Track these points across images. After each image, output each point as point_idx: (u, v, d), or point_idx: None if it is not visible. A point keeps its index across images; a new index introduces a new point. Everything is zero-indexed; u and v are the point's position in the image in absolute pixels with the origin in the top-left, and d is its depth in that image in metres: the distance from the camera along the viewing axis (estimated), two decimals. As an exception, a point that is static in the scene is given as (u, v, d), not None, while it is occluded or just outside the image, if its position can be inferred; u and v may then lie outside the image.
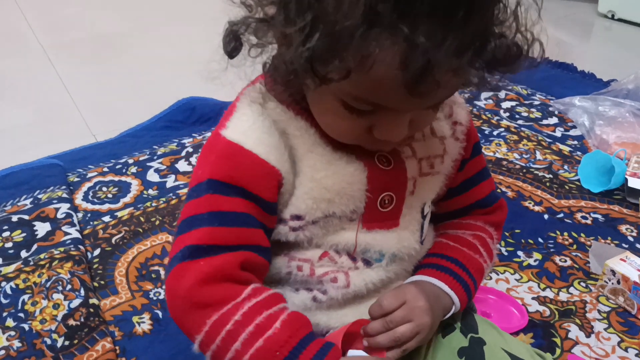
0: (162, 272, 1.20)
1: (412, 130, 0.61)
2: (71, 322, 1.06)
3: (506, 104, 1.88)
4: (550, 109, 1.84)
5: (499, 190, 1.44)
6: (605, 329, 1.06)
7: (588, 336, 1.04)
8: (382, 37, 0.49)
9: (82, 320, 1.06)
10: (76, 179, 1.51)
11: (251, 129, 0.63)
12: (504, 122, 1.77)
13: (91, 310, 1.08)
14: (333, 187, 0.64)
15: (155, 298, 1.13)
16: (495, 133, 1.71)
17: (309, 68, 0.52)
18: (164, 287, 1.14)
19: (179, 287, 0.60)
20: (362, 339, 0.66)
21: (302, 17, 0.51)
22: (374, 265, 0.70)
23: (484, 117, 1.80)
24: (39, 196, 1.42)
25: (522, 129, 1.74)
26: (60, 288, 1.13)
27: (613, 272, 1.10)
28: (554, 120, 1.78)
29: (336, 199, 0.65)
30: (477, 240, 0.77)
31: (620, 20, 2.59)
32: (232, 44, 0.59)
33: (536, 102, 1.89)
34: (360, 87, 0.54)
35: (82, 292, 1.12)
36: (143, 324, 1.07)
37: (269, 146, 0.62)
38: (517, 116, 1.81)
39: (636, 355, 1.00)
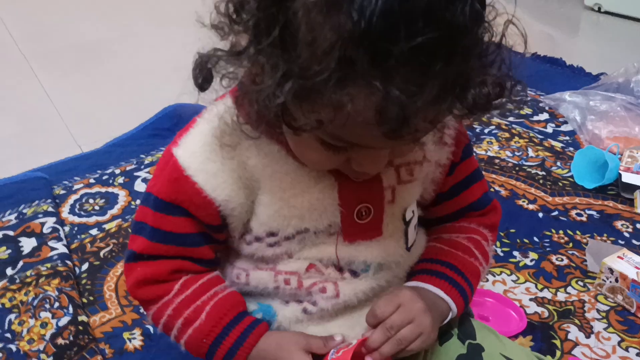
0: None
1: (392, 157, 0.61)
2: (60, 341, 1.03)
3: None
4: (541, 104, 1.83)
5: (492, 190, 1.42)
6: (605, 329, 1.04)
7: (588, 337, 1.03)
8: (356, 88, 0.47)
9: (72, 338, 1.03)
10: (62, 192, 1.48)
11: (200, 151, 0.63)
12: (495, 120, 1.75)
13: (80, 327, 1.05)
14: (302, 205, 0.64)
15: (149, 317, 1.10)
16: (486, 131, 1.70)
17: (280, 118, 0.51)
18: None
19: (127, 283, 0.71)
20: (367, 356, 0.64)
21: (274, 62, 0.49)
22: (361, 275, 0.69)
23: (474, 115, 1.79)
24: (24, 211, 1.38)
25: (513, 126, 1.72)
26: (47, 306, 1.10)
27: (611, 270, 1.09)
28: (545, 116, 1.77)
29: (306, 215, 0.64)
30: (472, 243, 0.75)
31: (606, 12, 2.59)
32: (202, 76, 0.57)
33: (526, 98, 1.88)
34: (334, 129, 0.52)
35: (71, 309, 1.09)
36: (134, 340, 1.04)
37: (210, 174, 0.63)
38: (507, 113, 1.79)
39: (637, 354, 0.99)
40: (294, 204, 0.64)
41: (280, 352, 0.65)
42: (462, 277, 0.72)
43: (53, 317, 1.08)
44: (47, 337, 1.04)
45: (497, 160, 1.55)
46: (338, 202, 0.64)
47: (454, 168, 0.73)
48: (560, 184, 1.45)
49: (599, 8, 2.60)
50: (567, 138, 1.65)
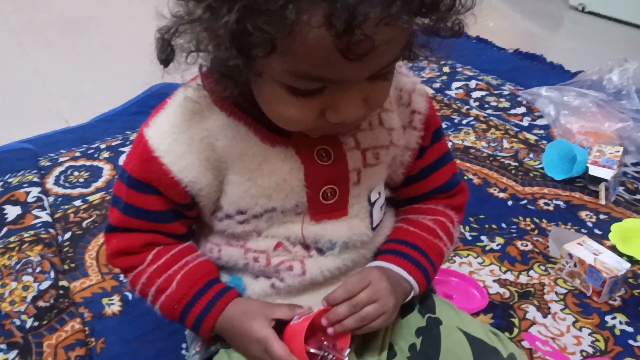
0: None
1: (369, 108, 0.60)
2: (40, 303, 1.07)
3: (476, 94, 1.92)
4: (519, 99, 1.88)
5: (465, 178, 1.47)
6: (561, 310, 1.10)
7: (545, 317, 1.08)
8: (303, 2, 0.47)
9: (52, 301, 1.07)
10: (47, 164, 1.51)
11: (168, 133, 0.65)
12: (474, 112, 1.81)
13: (61, 292, 1.09)
14: (269, 185, 0.66)
15: (125, 280, 1.13)
16: (464, 122, 1.75)
17: (234, 47, 0.51)
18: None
19: (106, 253, 0.76)
20: (324, 329, 0.67)
21: (223, 3, 0.50)
22: (327, 253, 0.71)
23: (454, 106, 1.84)
24: (9, 180, 1.42)
25: (491, 118, 1.77)
26: (30, 270, 1.14)
27: (570, 256, 1.15)
28: (522, 109, 1.83)
29: (274, 195, 0.67)
30: (437, 225, 0.78)
31: (590, 12, 2.64)
32: (165, 52, 0.57)
33: (505, 92, 1.93)
34: (294, 61, 0.52)
35: (52, 274, 1.13)
36: (112, 306, 1.08)
37: (177, 155, 0.65)
38: (486, 105, 1.85)
39: (589, 334, 1.05)
40: (261, 184, 0.66)
41: (244, 317, 0.68)
42: (426, 257, 0.76)
43: (35, 281, 1.11)
44: (29, 299, 1.08)
45: (472, 150, 1.60)
46: (304, 184, 0.67)
47: (423, 152, 0.76)
48: (531, 175, 1.50)
49: (583, 8, 2.66)
50: (542, 131, 1.70)
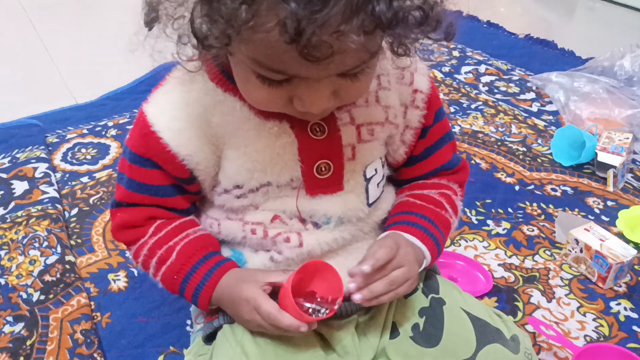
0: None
1: (339, 101, 0.59)
2: (47, 277, 1.07)
3: (485, 78, 1.90)
4: (529, 84, 1.87)
5: (472, 162, 1.47)
6: (566, 295, 1.10)
7: (549, 301, 1.08)
8: (257, 3, 0.47)
9: (58, 276, 1.08)
10: (55, 140, 1.51)
11: (166, 108, 0.67)
12: (482, 96, 1.80)
13: (67, 266, 1.10)
14: (264, 159, 0.67)
15: (131, 257, 1.14)
16: (473, 106, 1.74)
17: (193, 33, 0.52)
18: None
19: (111, 229, 0.77)
20: (309, 282, 0.67)
21: None
22: (323, 227, 0.71)
23: (463, 90, 1.83)
24: (17, 155, 1.42)
25: (500, 103, 1.76)
26: (37, 245, 1.15)
27: (577, 241, 1.14)
28: (531, 95, 1.81)
29: (268, 169, 0.67)
30: (444, 197, 0.78)
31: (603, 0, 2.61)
32: (149, 16, 0.58)
33: (515, 77, 1.92)
34: (256, 52, 0.52)
35: (59, 249, 1.13)
36: (118, 281, 1.09)
37: (175, 131, 0.66)
38: (495, 90, 1.84)
39: (593, 319, 1.05)
40: (256, 158, 0.67)
41: (236, 283, 0.69)
42: (435, 227, 0.75)
43: (41, 255, 1.12)
44: (35, 273, 1.09)
45: (480, 135, 1.59)
46: (298, 158, 0.67)
47: (426, 131, 0.76)
48: (539, 160, 1.49)
49: (596, -6, 2.62)
50: (551, 117, 1.69)
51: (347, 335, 0.74)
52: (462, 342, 0.72)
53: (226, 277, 0.71)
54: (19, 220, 1.21)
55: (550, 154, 1.51)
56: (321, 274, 0.66)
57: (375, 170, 0.73)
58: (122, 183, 0.72)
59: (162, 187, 0.70)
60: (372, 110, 0.70)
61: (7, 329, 0.98)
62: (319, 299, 0.66)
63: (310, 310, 0.66)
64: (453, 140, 0.80)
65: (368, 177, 0.72)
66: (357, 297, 0.64)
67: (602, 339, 1.01)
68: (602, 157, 1.41)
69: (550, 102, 1.75)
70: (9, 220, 1.21)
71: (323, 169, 0.69)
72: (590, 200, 1.35)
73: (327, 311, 0.66)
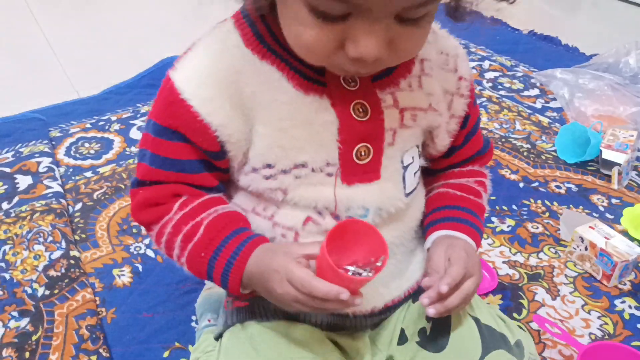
0: (143, 228, 1.22)
1: (395, 54, 0.55)
2: (52, 272, 1.07)
3: (489, 75, 1.90)
4: (532, 80, 1.86)
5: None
6: (570, 293, 1.10)
7: (554, 299, 1.08)
8: None
9: (63, 271, 1.07)
10: (58, 134, 1.51)
11: (195, 74, 0.62)
12: (486, 92, 1.79)
13: (72, 261, 1.09)
14: (302, 136, 0.62)
15: (135, 252, 1.15)
16: (477, 102, 1.73)
17: None
18: (144, 241, 1.17)
19: (131, 209, 0.70)
20: (347, 249, 0.61)
21: None
22: None
23: (466, 86, 1.82)
24: (21, 149, 1.42)
25: (504, 99, 1.76)
26: (41, 240, 1.14)
27: (582, 239, 1.14)
28: (536, 91, 1.81)
29: (306, 146, 0.63)
30: (481, 186, 0.77)
31: (607, -5, 2.60)
32: None
33: (519, 74, 1.91)
34: None
35: (63, 244, 1.13)
36: (123, 277, 1.09)
37: (205, 98, 0.61)
38: (499, 87, 1.83)
39: (598, 317, 1.05)
40: (293, 134, 0.62)
41: (270, 255, 0.62)
42: (479, 219, 0.74)
43: (46, 250, 1.12)
44: (40, 268, 1.08)
45: (484, 131, 1.59)
46: (337, 138, 0.63)
47: (467, 119, 0.73)
48: (544, 157, 1.49)
49: (600, -10, 2.61)
50: (555, 114, 1.69)
51: (359, 342, 0.73)
52: (468, 347, 0.70)
53: (258, 250, 0.63)
54: (23, 215, 1.21)
55: (555, 151, 1.51)
56: (358, 240, 0.60)
57: (412, 158, 0.69)
58: (145, 160, 0.66)
59: (190, 162, 0.64)
60: (416, 95, 0.67)
61: (12, 324, 0.98)
62: (360, 265, 0.60)
63: (351, 273, 0.59)
64: (480, 123, 0.78)
65: (405, 164, 0.68)
66: (431, 312, 0.62)
67: (606, 337, 1.01)
68: (607, 155, 1.40)
69: (555, 99, 1.75)
70: (13, 215, 1.21)
71: (362, 153, 0.64)
72: (594, 198, 1.35)
73: (372, 273, 0.58)
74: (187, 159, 0.64)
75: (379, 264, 0.58)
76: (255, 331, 0.68)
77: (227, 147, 0.63)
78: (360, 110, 0.63)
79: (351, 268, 0.59)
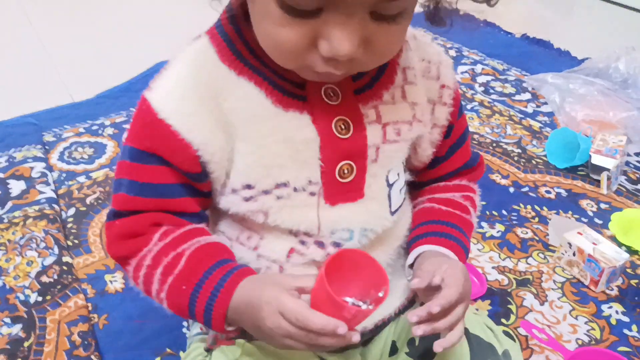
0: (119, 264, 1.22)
1: (371, 53, 0.53)
2: (44, 278, 1.08)
3: (481, 79, 1.91)
4: (524, 84, 1.88)
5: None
6: (558, 298, 1.11)
7: (542, 304, 1.09)
8: None
9: (56, 277, 1.08)
10: (52, 139, 1.52)
11: (172, 93, 0.59)
12: (478, 97, 1.80)
13: (64, 268, 1.10)
14: (283, 153, 0.60)
15: (129, 276, 1.14)
16: (468, 107, 1.74)
17: None
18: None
19: (106, 243, 0.67)
20: (344, 282, 0.58)
21: None
22: (345, 245, 0.64)
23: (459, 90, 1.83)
24: (14, 154, 1.42)
25: (495, 103, 1.77)
26: (34, 246, 1.15)
27: (570, 245, 1.16)
28: (527, 96, 1.82)
29: (288, 164, 0.60)
30: (468, 201, 0.74)
31: (601, -1, 2.62)
32: None
33: (511, 78, 1.92)
34: None
35: (56, 250, 1.14)
36: (115, 283, 1.10)
37: (185, 114, 0.58)
38: (491, 91, 1.84)
39: (585, 322, 1.06)
40: (274, 152, 0.60)
41: (259, 287, 0.58)
42: (465, 236, 0.71)
43: (39, 257, 1.13)
44: (33, 274, 1.09)
45: (476, 136, 1.60)
46: (319, 157, 0.61)
47: (451, 129, 0.71)
48: (534, 162, 1.51)
49: (594, -7, 2.62)
50: (546, 119, 1.70)
51: None
52: (457, 358, 0.70)
53: (245, 281, 0.59)
54: (16, 220, 1.21)
55: (545, 155, 1.52)
56: (355, 271, 0.57)
57: (398, 175, 0.68)
58: (122, 189, 0.63)
59: (169, 186, 0.61)
60: (399, 107, 0.65)
61: (4, 330, 0.99)
62: (358, 298, 0.58)
63: (350, 304, 0.55)
64: (469, 135, 0.76)
65: (391, 182, 0.66)
66: (418, 332, 0.58)
67: (593, 342, 1.02)
68: (596, 160, 1.42)
69: (546, 103, 1.76)
70: (5, 220, 1.22)
71: (345, 171, 0.62)
72: (584, 203, 1.37)
73: (372, 305, 0.56)
74: (167, 182, 0.61)
75: (380, 294, 0.56)
76: (244, 350, 0.67)
77: (210, 168, 0.61)
78: (343, 127, 0.61)
79: (350, 299, 0.57)
